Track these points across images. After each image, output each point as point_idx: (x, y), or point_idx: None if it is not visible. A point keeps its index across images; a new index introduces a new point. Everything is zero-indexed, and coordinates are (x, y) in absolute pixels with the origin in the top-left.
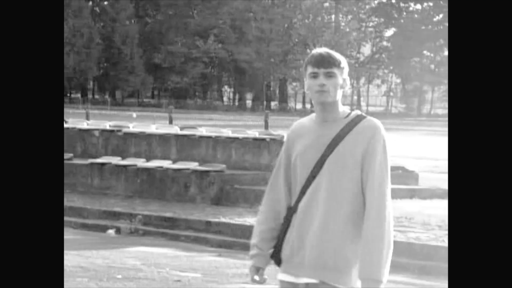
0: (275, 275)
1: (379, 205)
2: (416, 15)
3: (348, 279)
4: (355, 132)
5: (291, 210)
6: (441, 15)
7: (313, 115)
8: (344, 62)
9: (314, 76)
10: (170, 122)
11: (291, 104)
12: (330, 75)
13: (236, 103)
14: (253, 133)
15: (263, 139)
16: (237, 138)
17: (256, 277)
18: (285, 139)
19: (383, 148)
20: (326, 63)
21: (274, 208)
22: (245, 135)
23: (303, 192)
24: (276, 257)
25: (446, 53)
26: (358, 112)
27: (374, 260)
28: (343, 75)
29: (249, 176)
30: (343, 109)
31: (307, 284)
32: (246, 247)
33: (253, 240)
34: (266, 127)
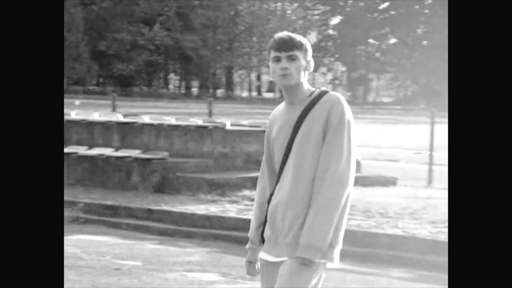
0: None
1: (327, 177)
2: (361, 3)
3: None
4: (316, 109)
5: (271, 193)
6: (386, 3)
7: None
8: (306, 44)
9: (277, 60)
10: (113, 109)
11: (237, 91)
12: (292, 58)
13: (182, 91)
14: (196, 120)
15: (206, 127)
16: (179, 126)
17: (250, 271)
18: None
19: (340, 120)
20: (287, 46)
21: (262, 196)
22: (188, 123)
23: (279, 175)
24: (262, 238)
25: (391, 41)
26: (322, 89)
27: (316, 228)
28: (307, 57)
29: (191, 163)
30: (309, 88)
31: (282, 262)
32: (187, 235)
33: (249, 233)
34: (210, 114)
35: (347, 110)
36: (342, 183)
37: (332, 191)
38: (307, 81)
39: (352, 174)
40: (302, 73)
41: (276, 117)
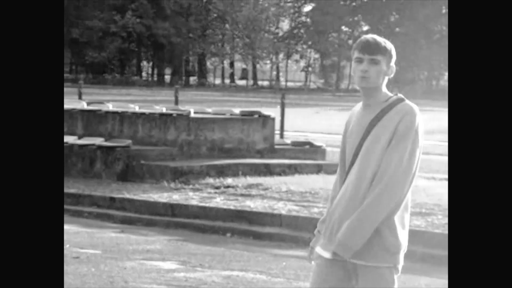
0: None
1: (382, 181)
2: None
3: (364, 255)
4: (389, 116)
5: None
6: None
7: None
8: (391, 50)
9: (359, 61)
10: (80, 97)
11: (210, 79)
12: (374, 62)
13: (155, 78)
14: (160, 108)
15: (170, 115)
16: (143, 114)
17: (308, 256)
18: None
19: (408, 130)
20: (371, 49)
21: (334, 189)
22: (152, 111)
23: (346, 174)
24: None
25: (364, 28)
26: (399, 96)
27: (353, 227)
28: (390, 63)
29: (155, 151)
30: (386, 93)
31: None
32: (149, 223)
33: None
34: (176, 102)
35: (418, 121)
36: (394, 190)
37: (381, 196)
38: (385, 85)
39: (408, 184)
40: (382, 77)
41: (352, 117)
